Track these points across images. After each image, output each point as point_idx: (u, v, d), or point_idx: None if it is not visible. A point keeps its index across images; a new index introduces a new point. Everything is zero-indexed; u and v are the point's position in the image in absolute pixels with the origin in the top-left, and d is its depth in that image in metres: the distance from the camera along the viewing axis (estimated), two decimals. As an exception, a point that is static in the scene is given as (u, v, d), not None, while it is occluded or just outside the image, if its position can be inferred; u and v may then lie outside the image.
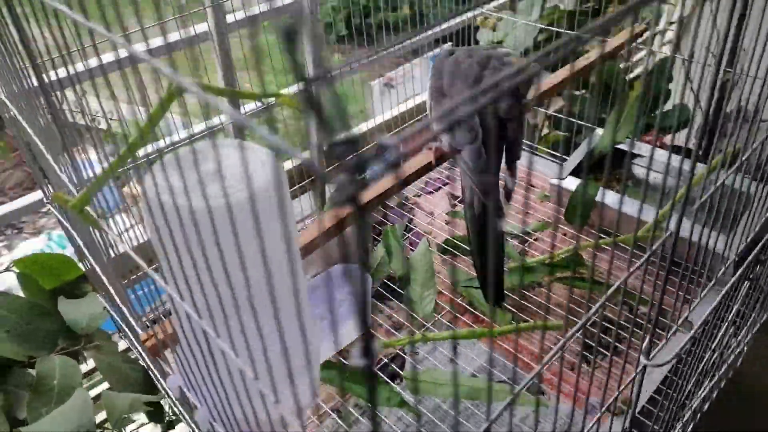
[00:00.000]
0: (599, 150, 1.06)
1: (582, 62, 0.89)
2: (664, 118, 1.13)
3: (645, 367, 0.43)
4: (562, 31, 1.26)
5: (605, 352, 0.85)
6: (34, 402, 0.72)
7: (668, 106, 1.18)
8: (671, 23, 1.66)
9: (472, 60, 0.72)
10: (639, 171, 1.13)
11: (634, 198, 1.05)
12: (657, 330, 0.50)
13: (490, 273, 0.79)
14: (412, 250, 0.98)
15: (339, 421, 0.81)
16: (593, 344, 0.84)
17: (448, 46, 1.29)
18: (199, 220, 0.40)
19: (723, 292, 0.57)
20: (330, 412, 0.82)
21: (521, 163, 1.23)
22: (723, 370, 0.83)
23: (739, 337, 0.81)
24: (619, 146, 1.08)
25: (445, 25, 1.20)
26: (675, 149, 1.15)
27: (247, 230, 0.43)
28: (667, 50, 1.57)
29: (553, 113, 1.35)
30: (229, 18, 0.95)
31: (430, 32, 1.16)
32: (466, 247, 1.03)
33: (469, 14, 1.25)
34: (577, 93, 1.35)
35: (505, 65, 0.73)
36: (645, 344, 0.43)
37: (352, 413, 0.81)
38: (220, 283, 0.44)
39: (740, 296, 0.74)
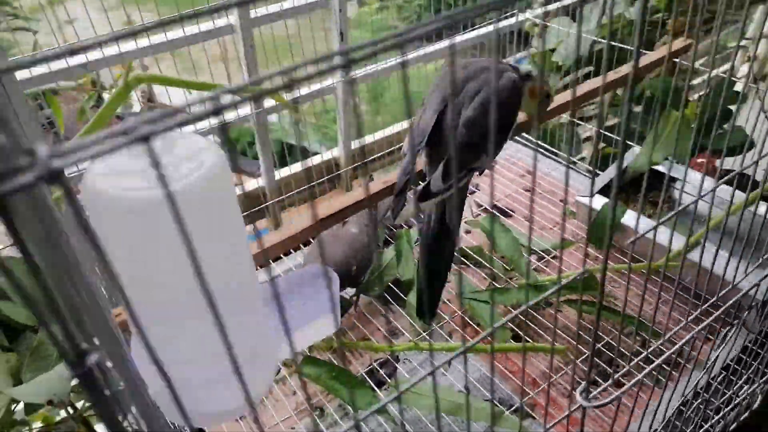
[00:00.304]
0: (633, 169, 1.00)
1: (612, 75, 0.84)
2: (718, 140, 1.05)
3: (584, 408, 0.40)
4: (618, 44, 1.19)
5: (601, 381, 0.80)
6: (31, 366, 0.76)
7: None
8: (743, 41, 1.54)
9: (464, 71, 0.70)
10: (680, 196, 1.06)
11: (666, 224, 0.99)
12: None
13: (423, 285, 0.79)
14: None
15: (318, 420, 0.80)
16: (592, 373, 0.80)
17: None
18: (140, 211, 0.41)
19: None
20: (310, 409, 0.82)
21: (556, 177, 1.19)
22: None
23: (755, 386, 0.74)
24: (658, 168, 1.01)
25: (483, 30, 1.17)
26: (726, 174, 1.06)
27: (196, 214, 0.43)
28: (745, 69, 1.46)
29: (600, 131, 1.28)
30: (256, 12, 0.97)
31: (466, 37, 1.13)
32: (478, 258, 1.00)
33: (511, 20, 1.21)
34: (637, 109, 1.28)
35: (496, 79, 0.71)
36: (583, 385, 0.40)
37: (332, 414, 0.81)
38: (160, 274, 0.45)
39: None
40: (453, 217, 0.74)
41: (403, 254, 0.97)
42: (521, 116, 0.83)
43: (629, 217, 0.94)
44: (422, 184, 0.69)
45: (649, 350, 0.44)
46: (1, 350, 0.90)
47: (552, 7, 1.30)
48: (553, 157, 1.27)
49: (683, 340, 0.48)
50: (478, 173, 0.76)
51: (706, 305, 0.50)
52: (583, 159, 1.36)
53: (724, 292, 0.53)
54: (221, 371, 0.45)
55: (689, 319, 0.49)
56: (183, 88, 0.47)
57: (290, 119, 1.31)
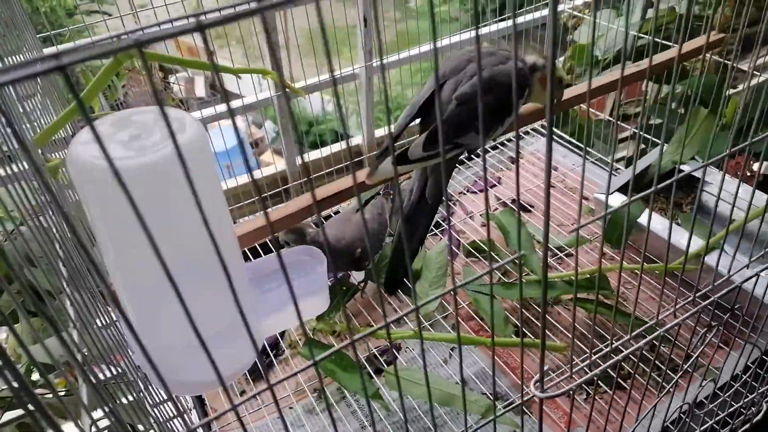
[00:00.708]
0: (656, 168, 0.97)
1: (632, 68, 0.82)
2: (756, 142, 1.01)
3: (542, 400, 0.39)
4: (660, 41, 1.15)
5: (606, 388, 0.78)
6: (48, 330, 0.80)
7: None
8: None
9: (469, 54, 0.69)
10: (706, 198, 1.02)
11: (687, 227, 0.95)
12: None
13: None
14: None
15: (314, 403, 0.82)
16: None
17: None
18: (127, 179, 0.42)
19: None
20: (308, 391, 0.83)
21: (576, 172, 1.16)
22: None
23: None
24: (684, 167, 0.97)
25: (515, 21, 1.14)
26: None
27: (172, 186, 0.45)
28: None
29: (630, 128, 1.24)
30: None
31: (494, 28, 1.11)
32: (481, 251, 0.99)
33: (544, 11, 1.18)
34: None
35: (497, 66, 0.70)
36: (537, 376, 0.39)
37: (330, 397, 0.82)
38: (142, 243, 0.46)
39: None
40: (433, 191, 0.75)
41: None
42: (530, 106, 0.82)
43: (647, 217, 0.91)
44: (402, 149, 0.70)
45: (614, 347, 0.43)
46: (27, 313, 0.95)
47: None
48: (580, 152, 1.23)
49: (666, 327, 0.47)
50: (467, 153, 0.77)
51: (698, 295, 0.48)
52: (621, 160, 1.31)
53: (720, 282, 0.51)
54: (209, 340, 0.47)
55: (677, 307, 0.48)
56: (182, 66, 0.49)
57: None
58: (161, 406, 0.68)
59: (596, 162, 1.20)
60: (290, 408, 0.81)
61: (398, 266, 0.86)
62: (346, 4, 1.11)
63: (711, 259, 0.82)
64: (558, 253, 0.98)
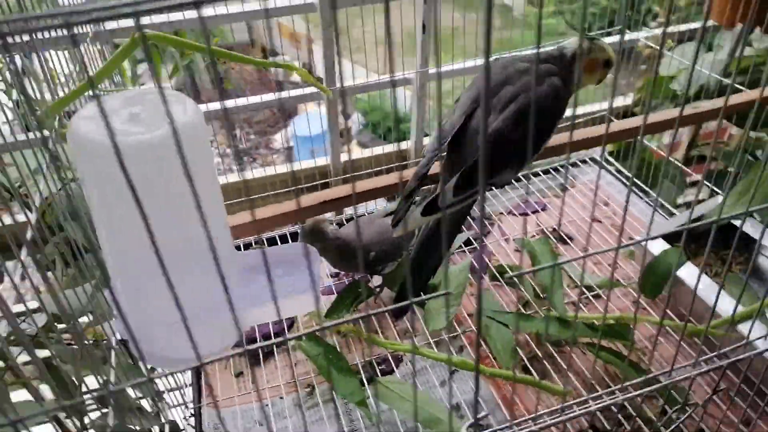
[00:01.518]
0: (708, 219, 0.89)
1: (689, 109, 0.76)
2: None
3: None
4: (741, 88, 1.06)
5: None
6: (76, 282, 0.85)
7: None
8: None
9: (502, 72, 0.66)
10: (762, 260, 0.93)
11: (733, 287, 0.88)
12: None
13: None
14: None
15: (302, 398, 0.82)
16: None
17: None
18: (125, 155, 0.44)
19: None
20: (299, 386, 0.83)
21: (635, 214, 1.09)
22: None
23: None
24: (736, 222, 0.89)
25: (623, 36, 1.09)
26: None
27: (165, 165, 0.46)
28: None
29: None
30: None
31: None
32: (513, 278, 0.95)
33: (614, 38, 1.11)
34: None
35: (529, 84, 0.65)
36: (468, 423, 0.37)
37: (319, 395, 0.82)
38: (135, 219, 0.48)
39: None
40: (445, 232, 0.71)
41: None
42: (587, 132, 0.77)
43: (689, 271, 0.85)
44: (429, 196, 0.66)
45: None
46: (64, 264, 1.01)
47: (675, 29, 1.19)
48: (639, 192, 1.16)
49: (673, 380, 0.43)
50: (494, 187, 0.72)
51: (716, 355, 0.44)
52: (682, 205, 1.23)
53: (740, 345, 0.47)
54: (187, 316, 0.48)
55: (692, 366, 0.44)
56: (187, 49, 0.50)
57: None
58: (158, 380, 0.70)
59: (651, 203, 1.12)
60: (280, 398, 0.82)
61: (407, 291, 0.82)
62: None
63: (745, 327, 0.75)
64: (586, 292, 0.92)
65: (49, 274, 0.74)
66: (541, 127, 0.66)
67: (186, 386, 0.83)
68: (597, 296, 0.92)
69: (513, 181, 1.18)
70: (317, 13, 1.00)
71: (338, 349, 0.78)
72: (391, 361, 0.85)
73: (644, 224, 1.05)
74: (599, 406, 0.57)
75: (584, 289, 0.93)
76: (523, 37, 1.43)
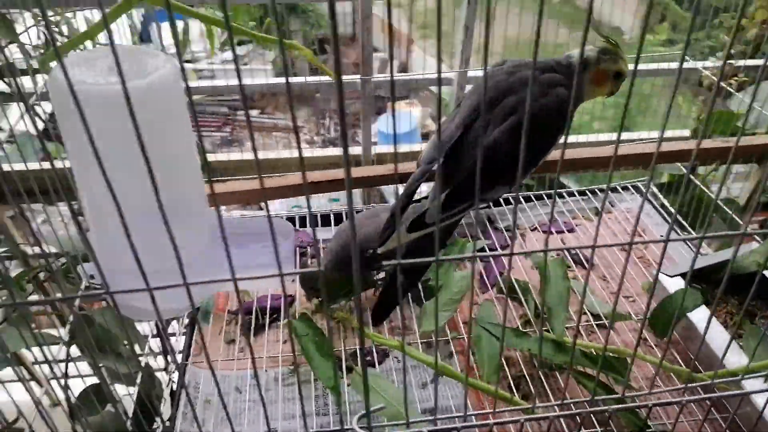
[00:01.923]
0: (737, 267, 0.83)
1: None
2: None
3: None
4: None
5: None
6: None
7: None
8: None
9: (507, 79, 0.63)
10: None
11: (751, 338, 0.81)
12: None
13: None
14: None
15: (282, 374, 0.83)
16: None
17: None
18: (101, 104, 0.46)
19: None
20: (281, 361, 0.84)
21: (668, 247, 1.03)
22: None
23: None
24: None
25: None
26: None
27: (143, 117, 0.48)
28: None
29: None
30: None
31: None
32: (518, 295, 0.93)
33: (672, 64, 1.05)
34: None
35: (537, 101, 0.62)
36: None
37: (304, 374, 0.83)
38: (119, 169, 0.51)
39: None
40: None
41: (445, 264, 0.94)
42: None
43: (701, 315, 0.80)
44: (416, 211, 0.65)
45: None
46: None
47: (746, 63, 1.11)
48: (676, 228, 1.10)
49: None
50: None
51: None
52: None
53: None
54: (157, 269, 0.50)
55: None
56: (194, 19, 0.52)
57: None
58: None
59: (686, 240, 1.06)
60: (264, 371, 0.83)
61: (391, 298, 0.81)
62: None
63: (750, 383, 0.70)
64: (591, 320, 0.89)
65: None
66: (541, 142, 0.64)
67: (178, 335, 0.87)
68: (603, 326, 0.88)
69: (546, 197, 1.14)
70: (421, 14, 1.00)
71: (326, 334, 0.79)
72: (376, 354, 0.85)
73: (675, 262, 0.99)
74: (562, 413, 0.55)
75: (590, 317, 0.89)
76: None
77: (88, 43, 0.60)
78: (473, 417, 0.74)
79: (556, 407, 0.55)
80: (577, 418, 0.72)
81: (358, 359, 0.86)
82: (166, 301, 0.63)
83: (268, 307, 0.91)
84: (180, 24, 1.15)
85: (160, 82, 0.47)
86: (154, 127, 0.49)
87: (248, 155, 1.23)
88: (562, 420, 0.75)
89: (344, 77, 1.12)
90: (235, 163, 1.22)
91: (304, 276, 0.84)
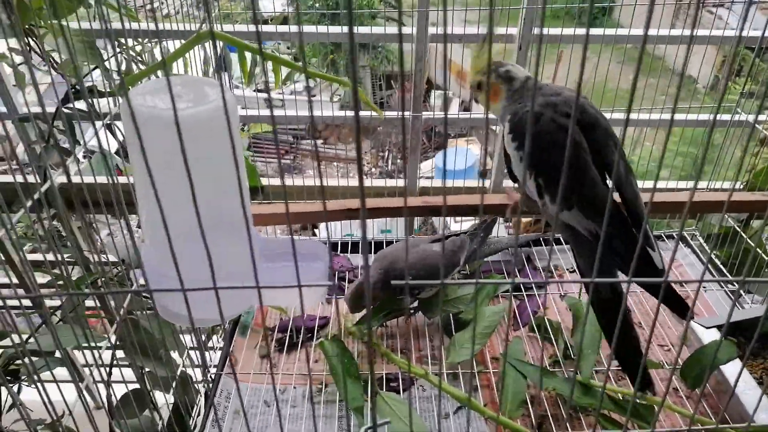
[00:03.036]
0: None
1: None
2: None
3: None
4: None
5: None
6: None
7: None
8: None
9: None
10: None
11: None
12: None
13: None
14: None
15: (308, 392, 0.86)
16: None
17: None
18: (167, 126, 0.52)
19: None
20: (311, 380, 0.87)
21: (711, 299, 1.01)
22: None
23: None
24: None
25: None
26: None
27: (204, 140, 0.53)
28: None
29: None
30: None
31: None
32: (550, 335, 0.93)
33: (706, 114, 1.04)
34: None
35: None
36: None
37: (329, 394, 0.85)
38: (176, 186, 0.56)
39: None
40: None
41: (481, 297, 0.95)
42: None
43: (735, 368, 0.78)
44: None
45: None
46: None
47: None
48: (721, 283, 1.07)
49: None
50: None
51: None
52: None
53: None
54: (204, 281, 0.55)
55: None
56: (248, 52, 0.57)
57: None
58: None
59: (720, 281, 1.03)
60: (294, 387, 0.87)
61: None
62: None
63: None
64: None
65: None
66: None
67: (215, 349, 0.91)
68: (633, 373, 0.87)
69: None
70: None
71: (355, 357, 0.82)
72: (402, 381, 0.87)
73: (714, 313, 0.97)
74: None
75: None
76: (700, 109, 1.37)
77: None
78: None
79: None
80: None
81: (369, 377, 0.88)
82: (206, 310, 0.68)
83: (303, 326, 0.95)
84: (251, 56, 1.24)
85: (220, 109, 0.52)
86: (209, 150, 0.54)
87: (309, 181, 1.29)
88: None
89: (393, 114, 1.17)
90: (295, 189, 1.28)
91: (353, 291, 0.88)
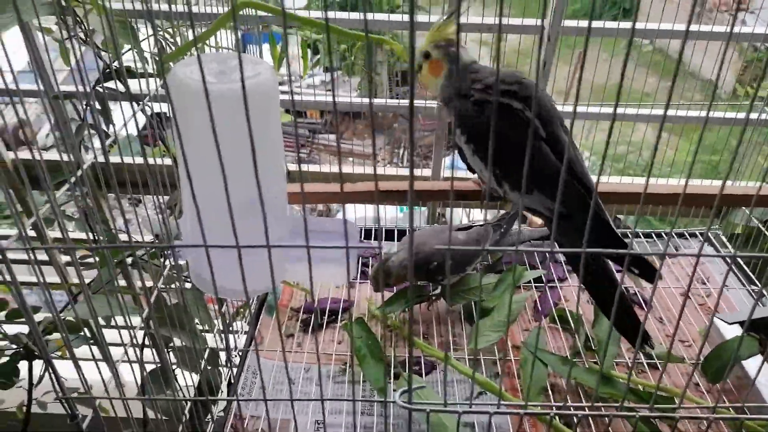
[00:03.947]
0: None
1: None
2: None
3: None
4: None
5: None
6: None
7: None
8: None
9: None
10: None
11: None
12: None
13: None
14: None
15: (333, 372, 0.87)
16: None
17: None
18: (216, 101, 0.54)
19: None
20: (334, 360, 0.89)
21: (733, 299, 1.01)
22: None
23: None
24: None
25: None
26: None
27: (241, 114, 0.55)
28: None
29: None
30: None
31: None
32: (570, 326, 0.93)
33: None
34: None
35: None
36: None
37: (355, 374, 0.87)
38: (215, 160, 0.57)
39: None
40: None
41: (502, 287, 0.96)
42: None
43: (757, 363, 0.78)
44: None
45: None
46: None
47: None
48: (742, 278, 1.07)
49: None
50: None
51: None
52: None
53: None
54: (236, 256, 0.56)
55: None
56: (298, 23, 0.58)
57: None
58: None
59: (749, 289, 1.03)
60: (317, 367, 0.88)
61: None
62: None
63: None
64: (642, 359, 0.88)
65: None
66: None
67: (240, 333, 0.93)
68: (654, 367, 0.87)
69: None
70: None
71: (378, 339, 0.83)
72: (423, 365, 0.88)
73: (736, 311, 0.97)
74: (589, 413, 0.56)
75: (642, 356, 0.88)
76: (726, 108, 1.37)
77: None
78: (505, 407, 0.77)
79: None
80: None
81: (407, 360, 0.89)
82: (237, 280, 0.69)
83: (328, 308, 0.96)
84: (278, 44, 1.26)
85: (262, 84, 0.54)
86: (264, 121, 0.55)
87: (325, 168, 1.31)
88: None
89: (423, 102, 1.18)
90: (312, 174, 1.30)
91: (378, 269, 0.89)
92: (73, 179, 0.55)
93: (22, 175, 0.45)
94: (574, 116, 0.39)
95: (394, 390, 0.81)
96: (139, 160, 0.71)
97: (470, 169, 0.83)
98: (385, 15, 1.25)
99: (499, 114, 0.73)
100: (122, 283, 0.96)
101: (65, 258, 1.02)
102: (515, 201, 0.80)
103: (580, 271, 0.69)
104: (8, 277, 0.37)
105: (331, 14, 1.21)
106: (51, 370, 0.42)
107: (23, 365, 0.93)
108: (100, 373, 0.52)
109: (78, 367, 0.50)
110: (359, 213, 1.21)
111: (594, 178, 0.69)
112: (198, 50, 0.54)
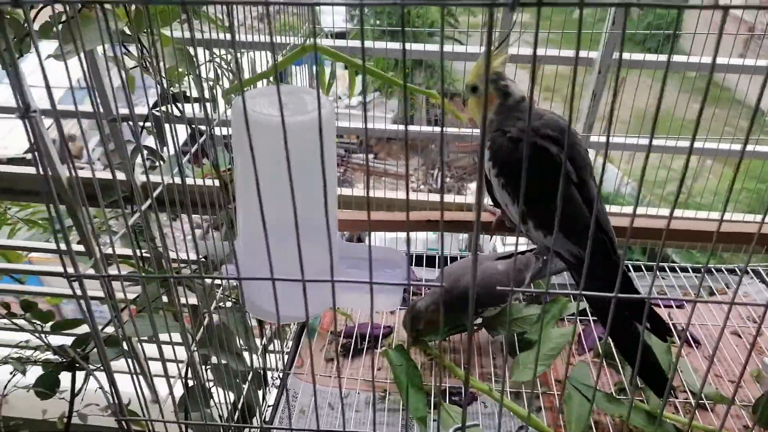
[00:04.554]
0: None
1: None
2: None
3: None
4: None
5: None
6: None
7: None
8: None
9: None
10: None
11: None
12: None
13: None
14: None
15: (371, 396, 0.87)
16: None
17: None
18: (271, 132, 0.56)
19: None
20: (375, 387, 0.89)
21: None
22: None
23: None
24: None
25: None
26: None
27: (303, 146, 0.56)
28: None
29: None
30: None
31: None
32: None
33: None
34: None
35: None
36: None
37: (392, 402, 0.87)
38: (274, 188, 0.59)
39: None
40: None
41: (546, 320, 0.95)
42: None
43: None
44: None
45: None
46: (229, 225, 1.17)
47: None
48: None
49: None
50: None
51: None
52: None
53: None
54: (290, 283, 0.57)
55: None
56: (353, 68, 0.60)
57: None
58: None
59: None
60: (357, 393, 0.88)
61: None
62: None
63: None
64: (690, 398, 0.85)
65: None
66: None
67: (281, 354, 0.94)
68: (703, 407, 0.85)
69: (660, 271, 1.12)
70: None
71: (418, 367, 0.83)
72: (464, 395, 0.87)
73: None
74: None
75: (689, 395, 0.86)
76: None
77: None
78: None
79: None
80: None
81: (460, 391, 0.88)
82: (287, 306, 0.70)
83: (368, 333, 0.97)
84: (327, 70, 1.29)
85: (325, 117, 0.55)
86: (310, 155, 0.57)
87: (357, 192, 1.32)
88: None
89: (458, 130, 1.18)
90: (344, 198, 1.31)
91: (409, 313, 0.88)
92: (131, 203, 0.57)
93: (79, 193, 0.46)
94: (607, 147, 0.39)
95: (435, 420, 0.81)
96: (189, 180, 0.73)
97: (494, 200, 0.85)
98: (420, 45, 1.27)
99: (535, 155, 0.74)
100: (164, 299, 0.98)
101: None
102: (536, 239, 0.80)
103: (609, 316, 0.68)
104: (84, 306, 0.39)
105: (368, 44, 1.23)
106: (113, 390, 0.43)
107: (64, 376, 0.95)
108: (140, 389, 0.53)
109: (139, 381, 0.51)
110: (389, 235, 1.21)
111: (629, 210, 0.69)
112: (270, 82, 0.57)
